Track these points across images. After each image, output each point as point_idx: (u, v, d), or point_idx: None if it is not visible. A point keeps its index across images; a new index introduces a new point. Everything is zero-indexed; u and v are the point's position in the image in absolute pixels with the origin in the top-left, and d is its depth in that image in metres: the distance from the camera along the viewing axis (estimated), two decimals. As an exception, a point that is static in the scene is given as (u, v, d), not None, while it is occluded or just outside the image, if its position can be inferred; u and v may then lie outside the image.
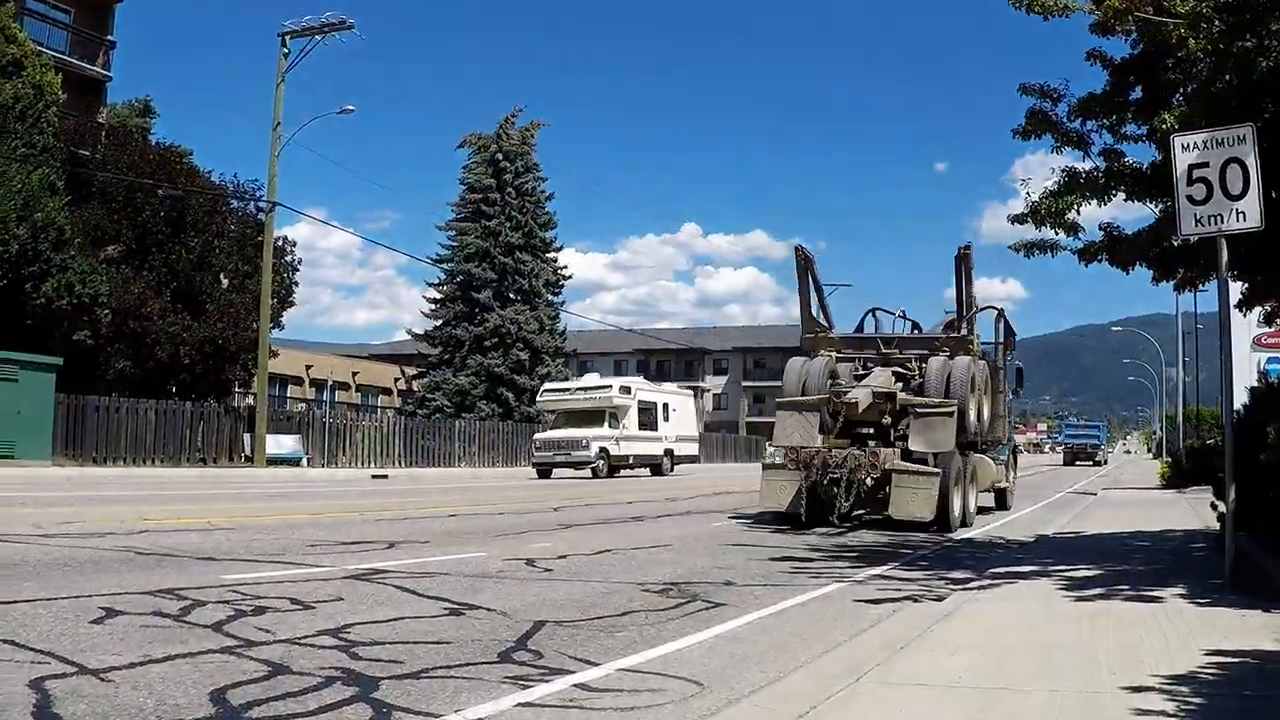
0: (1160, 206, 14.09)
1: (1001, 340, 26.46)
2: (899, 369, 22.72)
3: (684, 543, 16.67)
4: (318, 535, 15.79)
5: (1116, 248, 14.79)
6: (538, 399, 54.26)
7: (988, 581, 11.80)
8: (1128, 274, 15.05)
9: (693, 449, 56.03)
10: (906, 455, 20.26)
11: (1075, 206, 14.28)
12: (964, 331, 23.08)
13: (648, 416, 50.40)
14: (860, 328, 25.51)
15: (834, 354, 23.17)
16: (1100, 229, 15.09)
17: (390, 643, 7.94)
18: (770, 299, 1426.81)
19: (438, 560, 13.06)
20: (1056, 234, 14.75)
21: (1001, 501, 27.17)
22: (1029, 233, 15.00)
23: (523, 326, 73.04)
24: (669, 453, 51.89)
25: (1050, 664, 7.27)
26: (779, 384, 23.43)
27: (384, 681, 6.74)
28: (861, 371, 23.11)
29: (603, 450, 46.58)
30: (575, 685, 6.91)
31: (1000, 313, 27.04)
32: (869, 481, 19.92)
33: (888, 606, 10.58)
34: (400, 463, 52.80)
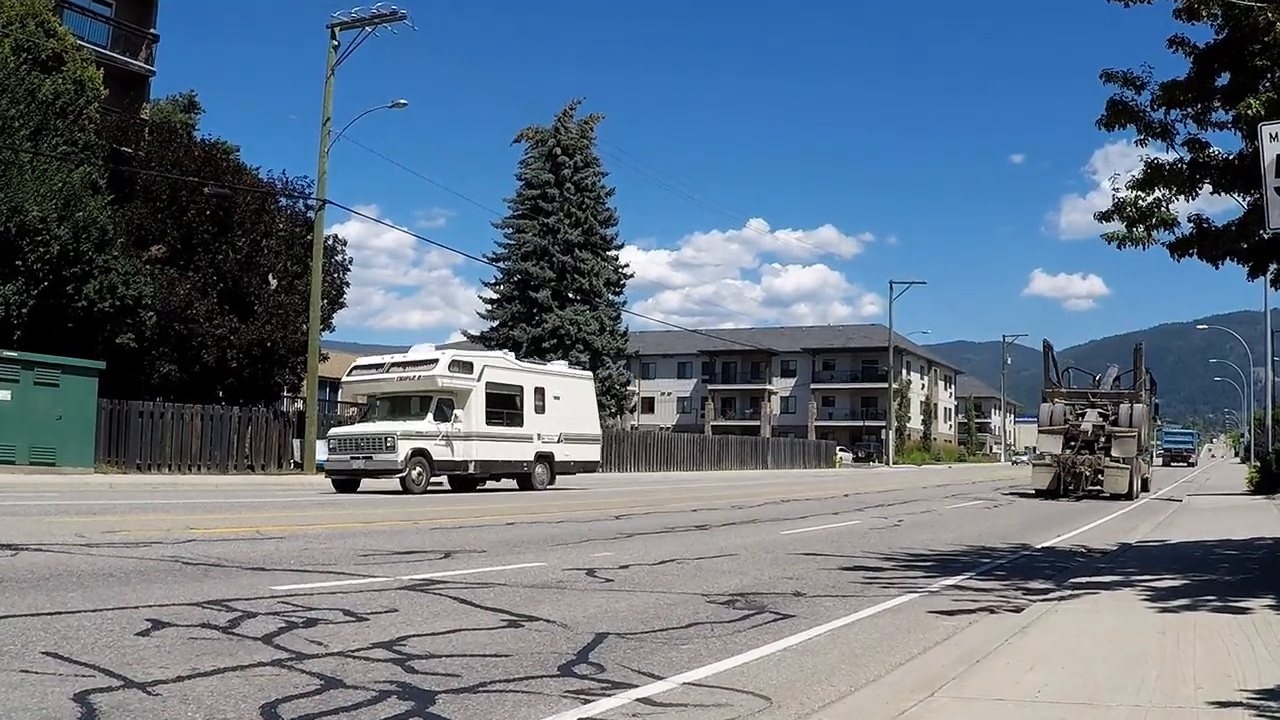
0: (1248, 199, 13.94)
1: (1149, 388, 43.79)
2: (1101, 410, 40.23)
3: (750, 552, 16.66)
4: (371, 544, 15.90)
5: (1205, 241, 14.66)
6: (342, 381, 39.47)
7: (1068, 592, 11.73)
8: (1217, 268, 14.91)
9: (590, 453, 42.21)
10: (1108, 458, 37.79)
11: (1165, 203, 14.18)
12: (1138, 389, 41.54)
13: (506, 405, 37.22)
14: (1059, 377, 44.48)
15: (1062, 401, 41.01)
16: (1189, 221, 14.96)
17: (447, 656, 8.00)
18: (840, 298, 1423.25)
19: (495, 570, 13.13)
20: (1146, 233, 14.64)
21: (1145, 486, 42.16)
22: (1115, 224, 14.91)
23: (582, 328, 73.26)
24: (544, 458, 38.60)
25: (1133, 677, 7.22)
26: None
27: (440, 696, 6.79)
28: (1079, 411, 40.33)
29: (419, 453, 33.34)
30: (639, 700, 6.93)
31: (1148, 371, 44.00)
32: (1089, 473, 37.63)
33: (963, 618, 10.57)
34: (455, 469, 52.73)
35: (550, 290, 73.94)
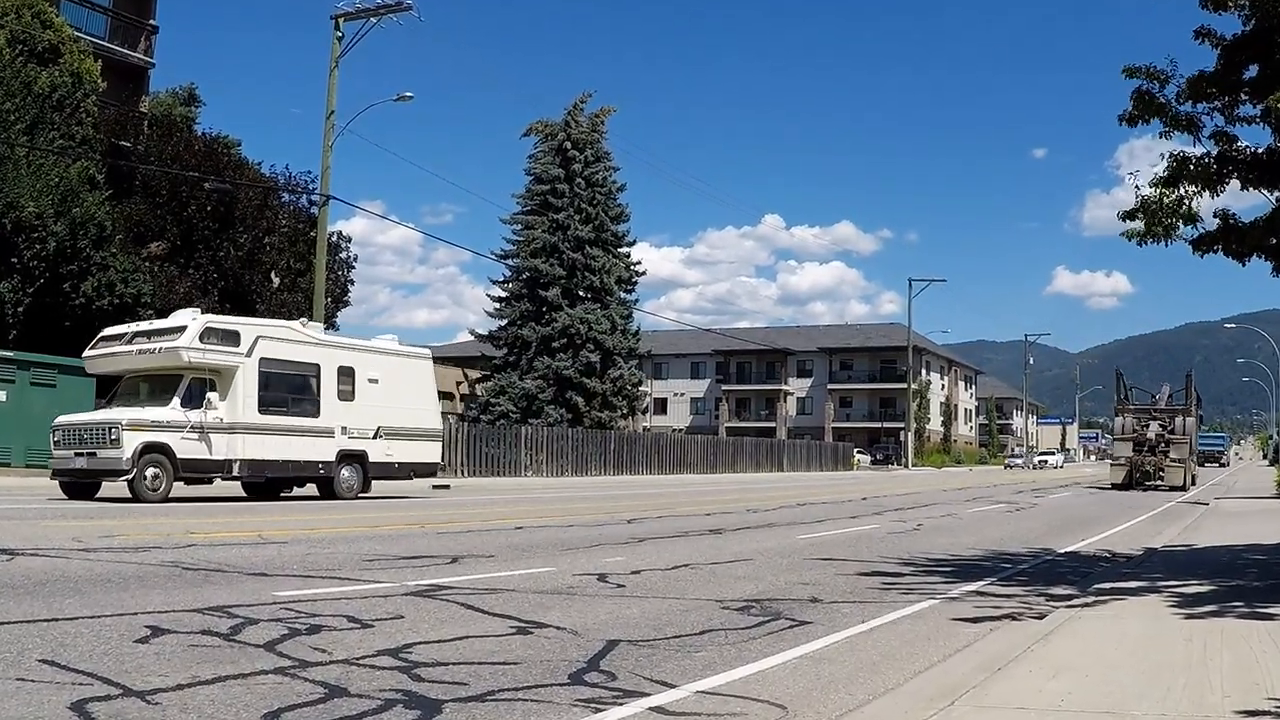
0: (1276, 194, 13.89)
1: (1195, 403, 55.65)
2: (1161, 421, 52.07)
3: (766, 557, 16.64)
4: (376, 549, 15.90)
5: (1231, 237, 14.60)
6: (84, 355, 29.65)
7: (1092, 598, 11.70)
8: (1244, 265, 14.86)
9: (424, 452, 33.66)
10: (1167, 459, 50.37)
11: (1187, 201, 14.12)
12: (1189, 405, 54.26)
13: (294, 390, 29.51)
14: (1127, 395, 56.74)
15: (1131, 415, 53.23)
16: (1215, 216, 14.90)
17: (454, 663, 7.99)
18: (858, 296, 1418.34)
19: (504, 575, 13.12)
20: (1165, 231, 14.59)
21: (1194, 481, 53.52)
22: (1138, 222, 14.86)
23: (593, 326, 73.02)
24: (353, 458, 30.48)
25: (1159, 685, 7.21)
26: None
27: (447, 705, 6.78)
28: (1144, 423, 52.27)
29: (156, 449, 25.60)
30: (651, 709, 6.91)
31: (1196, 390, 56.63)
32: (1151, 470, 50.13)
33: (985, 625, 10.54)
34: (462, 472, 52.74)
35: (560, 288, 73.69)
